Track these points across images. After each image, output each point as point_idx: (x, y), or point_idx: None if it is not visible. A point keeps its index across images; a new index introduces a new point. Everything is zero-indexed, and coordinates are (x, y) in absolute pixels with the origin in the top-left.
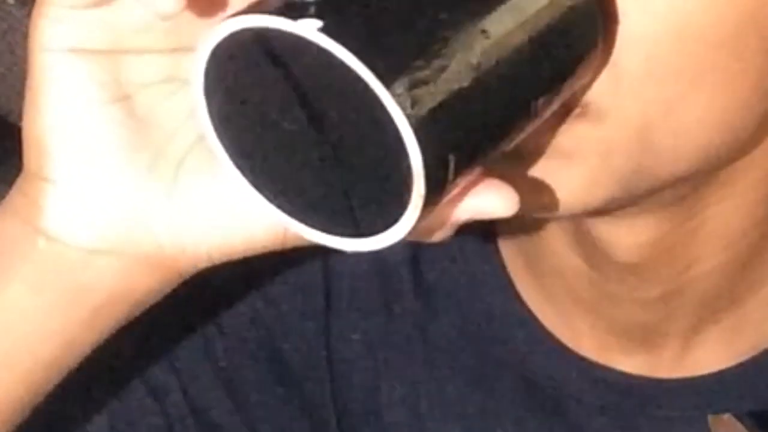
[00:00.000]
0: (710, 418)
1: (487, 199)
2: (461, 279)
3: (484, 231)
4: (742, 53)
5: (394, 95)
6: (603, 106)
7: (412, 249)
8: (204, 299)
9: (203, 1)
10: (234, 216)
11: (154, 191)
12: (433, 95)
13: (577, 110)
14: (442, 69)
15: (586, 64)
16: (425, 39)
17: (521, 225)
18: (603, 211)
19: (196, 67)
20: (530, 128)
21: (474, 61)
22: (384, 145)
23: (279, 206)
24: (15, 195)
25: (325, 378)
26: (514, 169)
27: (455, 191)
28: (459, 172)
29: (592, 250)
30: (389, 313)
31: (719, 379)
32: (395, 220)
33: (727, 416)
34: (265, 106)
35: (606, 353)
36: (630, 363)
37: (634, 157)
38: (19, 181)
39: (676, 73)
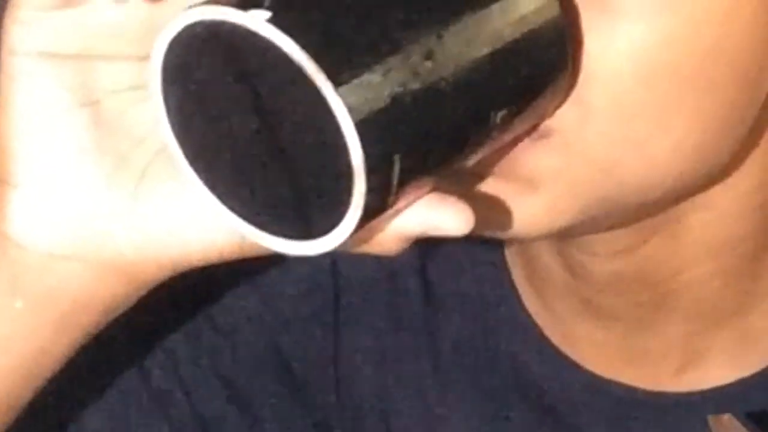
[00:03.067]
0: (710, 418)
1: (440, 215)
2: (469, 290)
3: (492, 239)
4: (711, 85)
5: (338, 90)
6: (570, 138)
7: (421, 258)
8: (210, 304)
9: None
10: (193, 223)
11: (116, 198)
12: (378, 94)
13: (544, 138)
14: (390, 68)
15: (553, 85)
16: (377, 38)
17: None
18: (568, 234)
19: (153, 62)
20: (491, 144)
21: (427, 65)
22: (328, 143)
23: (230, 208)
24: None
25: (332, 387)
26: (473, 189)
27: (405, 201)
28: (406, 176)
29: (573, 265)
30: (398, 322)
31: (724, 393)
32: (338, 222)
33: (727, 416)
34: (218, 103)
35: (608, 365)
36: (633, 375)
37: (601, 189)
38: None
39: (644, 110)
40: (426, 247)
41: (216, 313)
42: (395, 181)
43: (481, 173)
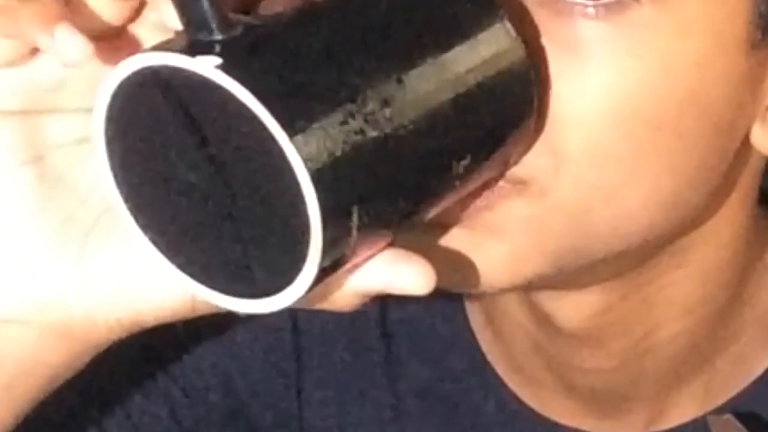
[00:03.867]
0: (710, 418)
1: (401, 274)
2: (428, 338)
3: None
4: (685, 133)
5: (293, 139)
6: (544, 185)
7: (381, 306)
8: (168, 358)
9: (110, 49)
10: (143, 282)
11: (62, 258)
12: (334, 142)
13: (512, 186)
14: (348, 116)
15: (519, 131)
16: (334, 84)
17: None
18: (535, 286)
19: (96, 112)
20: (453, 194)
21: (386, 111)
22: (283, 194)
23: (179, 265)
24: None
25: None
26: (434, 240)
27: (363, 255)
28: (365, 229)
29: (542, 319)
30: (359, 372)
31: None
32: (293, 279)
33: (726, 416)
34: (166, 156)
35: (574, 418)
36: (600, 427)
37: (568, 238)
38: None
39: (617, 156)
40: (383, 299)
41: (176, 371)
42: (353, 234)
43: (443, 223)
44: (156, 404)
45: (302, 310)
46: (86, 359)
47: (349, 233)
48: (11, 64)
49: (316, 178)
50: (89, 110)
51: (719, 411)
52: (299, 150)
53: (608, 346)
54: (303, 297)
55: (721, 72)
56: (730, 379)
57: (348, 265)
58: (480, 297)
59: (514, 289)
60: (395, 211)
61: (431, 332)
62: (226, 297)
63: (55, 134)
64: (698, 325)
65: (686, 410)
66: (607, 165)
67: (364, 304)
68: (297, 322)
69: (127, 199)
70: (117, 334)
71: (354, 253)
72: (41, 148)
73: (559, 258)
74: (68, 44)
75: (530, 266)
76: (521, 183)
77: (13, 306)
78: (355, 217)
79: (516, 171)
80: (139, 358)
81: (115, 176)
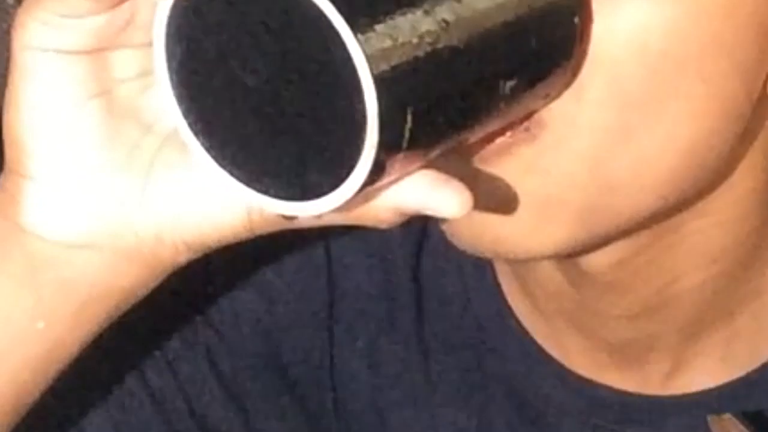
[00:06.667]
0: (710, 418)
1: (440, 194)
2: (455, 289)
3: None
4: (708, 76)
5: (357, 36)
6: (561, 133)
7: (415, 257)
8: (207, 306)
9: None
10: (204, 204)
11: (129, 185)
12: (395, 44)
13: (534, 131)
14: (409, 21)
15: (561, 65)
16: None
17: None
18: (569, 253)
19: (156, 24)
20: (498, 117)
21: (443, 23)
22: (340, 93)
23: (234, 174)
24: None
25: (327, 387)
26: (468, 177)
27: (408, 170)
28: (416, 135)
29: (570, 267)
30: (391, 320)
31: (713, 396)
32: (345, 177)
33: (727, 416)
34: (224, 60)
35: (597, 369)
36: (621, 379)
37: (590, 191)
38: (2, 178)
39: (639, 97)
40: (418, 249)
41: (213, 315)
42: (406, 137)
43: (475, 168)
44: (194, 349)
45: (338, 259)
46: (155, 283)
47: (401, 136)
48: (98, 12)
49: (376, 75)
50: (150, 45)
51: (739, 381)
52: (362, 46)
53: (632, 292)
54: (353, 198)
55: (746, 17)
56: (750, 336)
57: (394, 175)
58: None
59: (550, 254)
60: (445, 122)
61: (458, 284)
62: (280, 202)
63: (121, 68)
64: (721, 275)
65: (704, 366)
66: (627, 106)
67: (399, 253)
68: (331, 270)
69: (186, 114)
70: (184, 255)
71: (402, 162)
72: (108, 82)
73: (585, 217)
74: None
75: (559, 225)
76: (539, 126)
77: (86, 232)
78: (408, 120)
79: (540, 111)
80: (176, 304)
81: (175, 90)
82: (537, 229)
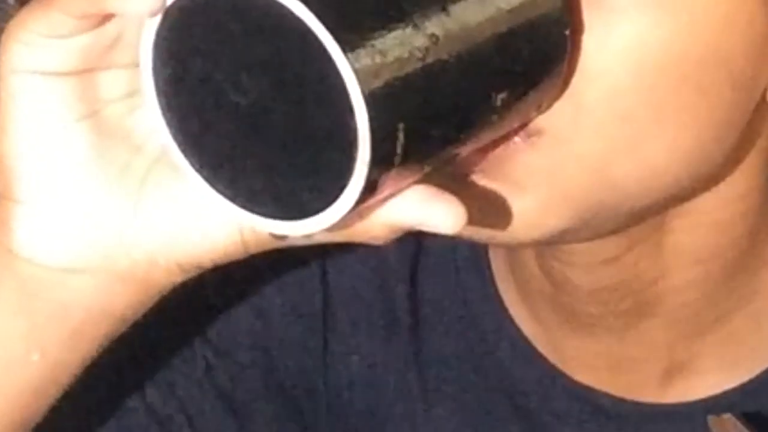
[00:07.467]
0: (710, 418)
1: (434, 209)
2: (453, 296)
3: (479, 245)
4: (707, 88)
5: (347, 54)
6: (562, 137)
7: (411, 266)
8: (205, 324)
9: None
10: (196, 224)
11: (121, 206)
12: (385, 61)
13: (535, 136)
14: (398, 37)
15: (551, 76)
16: (386, 5)
17: None
18: (561, 241)
19: (144, 42)
20: (491, 129)
21: (433, 37)
22: (331, 111)
23: (225, 195)
24: None
25: (323, 398)
26: (464, 191)
27: (401, 186)
28: (409, 151)
29: (554, 273)
30: (388, 332)
31: (712, 403)
32: (338, 196)
33: (727, 416)
34: (212, 78)
35: (594, 375)
36: (618, 384)
37: (595, 192)
38: None
39: (639, 110)
40: (415, 256)
41: (211, 332)
42: (398, 154)
43: (470, 177)
44: (193, 366)
45: (333, 267)
46: (149, 304)
47: (393, 153)
48: (76, 34)
49: (367, 92)
50: (138, 64)
51: (738, 388)
52: (351, 63)
53: (619, 295)
54: (346, 216)
55: (743, 28)
56: (747, 340)
57: (387, 192)
58: (506, 257)
59: (543, 242)
60: (438, 137)
61: (456, 291)
62: (272, 221)
63: (108, 89)
64: (710, 277)
65: (702, 371)
66: (626, 117)
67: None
68: (326, 279)
69: (175, 134)
70: (177, 276)
71: (395, 179)
72: (96, 103)
73: (585, 213)
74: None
75: (555, 220)
76: (537, 133)
77: (78, 255)
78: (401, 137)
79: (534, 121)
80: (174, 322)
81: (164, 110)
82: (535, 224)
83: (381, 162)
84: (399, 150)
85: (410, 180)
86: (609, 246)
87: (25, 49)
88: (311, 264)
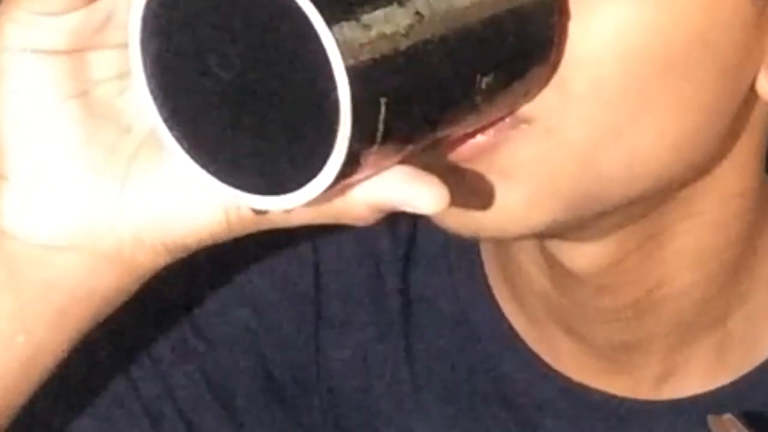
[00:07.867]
0: (710, 418)
1: (416, 189)
2: (445, 293)
3: (469, 241)
4: (693, 75)
5: (331, 27)
6: (550, 124)
7: (403, 261)
8: (195, 312)
9: None
10: (181, 205)
11: (107, 187)
12: (369, 35)
13: (524, 124)
14: (383, 13)
15: (538, 64)
16: None
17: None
18: (551, 234)
19: (132, 16)
20: (475, 114)
21: (419, 15)
22: (314, 84)
23: (210, 172)
24: None
25: (314, 392)
26: (449, 180)
27: (383, 165)
28: (391, 128)
29: (556, 269)
30: (377, 328)
31: (705, 400)
32: (319, 170)
33: (727, 416)
34: (197, 53)
35: (587, 373)
36: (612, 383)
37: (582, 182)
38: None
39: (626, 97)
40: (407, 252)
41: (201, 322)
42: (380, 129)
43: (457, 166)
44: (185, 358)
45: (326, 260)
46: (135, 286)
47: (376, 129)
48: (68, 11)
49: (349, 66)
50: (127, 45)
51: (731, 385)
52: (335, 37)
53: (621, 295)
54: (327, 192)
55: (728, 15)
56: (742, 339)
57: (369, 170)
58: (498, 254)
59: (531, 235)
60: (420, 115)
61: (448, 288)
62: (253, 196)
63: (99, 69)
64: (710, 278)
65: (696, 370)
66: (613, 104)
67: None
68: (318, 271)
69: (161, 109)
70: (163, 257)
71: (378, 156)
72: (86, 83)
73: (575, 202)
74: None
75: (545, 211)
76: (526, 122)
77: (64, 233)
78: (382, 111)
79: (523, 108)
80: (165, 313)
81: (150, 86)
82: (523, 215)
83: (362, 136)
84: (381, 126)
85: (393, 159)
86: (611, 247)
87: (17, 27)
88: (304, 258)
